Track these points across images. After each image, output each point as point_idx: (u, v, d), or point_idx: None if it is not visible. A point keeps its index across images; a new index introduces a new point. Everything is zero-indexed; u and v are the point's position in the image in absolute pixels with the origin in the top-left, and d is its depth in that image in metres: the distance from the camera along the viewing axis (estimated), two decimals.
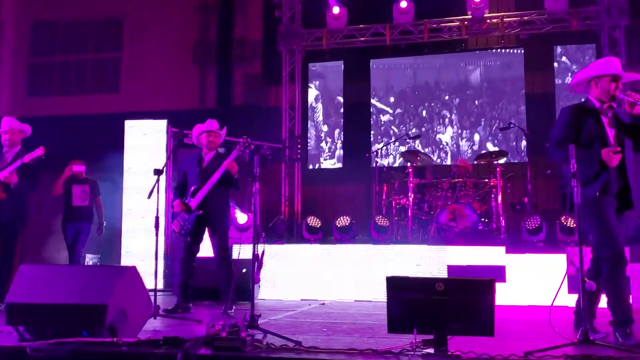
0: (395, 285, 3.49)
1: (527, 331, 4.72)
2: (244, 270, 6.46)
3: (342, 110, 10.58)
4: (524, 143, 9.45)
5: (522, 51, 9.95)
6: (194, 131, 6.03)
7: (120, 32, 11.61)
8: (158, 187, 5.29)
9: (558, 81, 9.79)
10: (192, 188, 5.74)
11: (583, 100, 4.18)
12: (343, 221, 8.05)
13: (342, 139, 10.52)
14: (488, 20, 9.69)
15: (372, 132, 10.37)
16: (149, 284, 5.15)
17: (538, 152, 9.08)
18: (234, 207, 7.92)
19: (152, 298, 4.69)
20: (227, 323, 3.88)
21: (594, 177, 3.89)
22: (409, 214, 7.83)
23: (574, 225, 7.15)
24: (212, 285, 6.14)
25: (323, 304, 6.75)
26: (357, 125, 10.42)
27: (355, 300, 7.03)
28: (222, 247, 5.78)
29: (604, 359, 3.19)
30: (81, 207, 7.45)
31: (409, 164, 8.44)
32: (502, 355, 3.23)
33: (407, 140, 9.84)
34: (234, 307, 5.66)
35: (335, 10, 9.94)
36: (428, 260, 6.99)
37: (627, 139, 4.03)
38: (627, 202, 3.97)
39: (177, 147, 8.11)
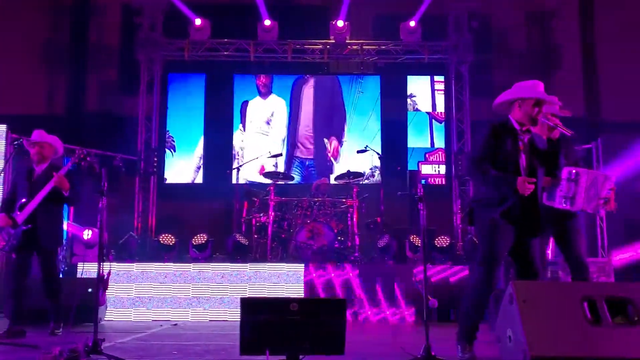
0: (250, 306, 3.43)
1: (375, 348, 4.87)
2: (89, 290, 6.03)
3: (203, 124, 10.33)
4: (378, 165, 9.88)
5: (379, 78, 10.43)
6: (25, 144, 5.58)
7: None
8: None
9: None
10: (20, 201, 5.33)
11: (504, 120, 4.08)
12: (200, 239, 7.85)
13: (202, 154, 10.26)
14: (349, 47, 10.08)
15: (233, 148, 10.24)
16: None
17: (390, 175, 9.57)
18: (72, 225, 7.44)
19: None
20: (65, 349, 3.58)
21: (500, 201, 3.89)
22: (269, 231, 7.83)
23: (420, 244, 7.61)
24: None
25: (175, 325, 6.52)
26: (218, 141, 10.24)
27: (211, 321, 6.86)
28: (47, 266, 5.42)
29: None
30: None
31: (270, 182, 8.46)
32: None
33: (269, 157, 9.86)
34: (61, 328, 5.34)
35: (197, 22, 9.76)
36: (286, 278, 7.03)
37: (540, 165, 3.97)
38: (534, 228, 3.92)
39: (17, 155, 7.41)
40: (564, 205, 4.08)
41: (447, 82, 10.31)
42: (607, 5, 10.16)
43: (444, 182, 10.12)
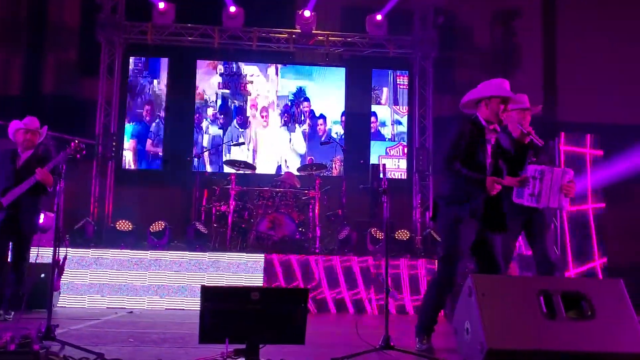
0: (210, 294, 3.38)
1: (335, 339, 4.89)
2: (42, 276, 5.88)
3: (163, 109, 10.13)
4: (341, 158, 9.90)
5: (344, 70, 10.43)
6: (10, 127, 5.53)
7: None
8: None
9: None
10: (5, 186, 5.30)
11: (472, 117, 4.12)
12: (157, 226, 7.74)
13: (162, 140, 10.07)
14: (315, 37, 10.03)
15: (195, 134, 10.09)
16: None
17: (353, 168, 9.61)
18: None
19: None
20: (17, 334, 3.47)
21: (466, 198, 3.95)
22: (229, 221, 7.75)
23: (381, 236, 7.67)
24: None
25: (131, 312, 6.41)
26: (179, 126, 10.07)
27: (167, 309, 6.77)
28: (22, 252, 5.41)
29: None
30: None
31: (232, 171, 8.38)
32: None
33: (232, 146, 9.75)
34: (12, 313, 5.24)
35: (161, 5, 9.54)
36: (245, 268, 6.97)
37: (504, 164, 4.08)
38: (497, 225, 4.02)
39: None
40: (531, 202, 4.22)
41: (410, 77, 10.39)
42: (570, 6, 10.40)
43: (404, 177, 10.21)
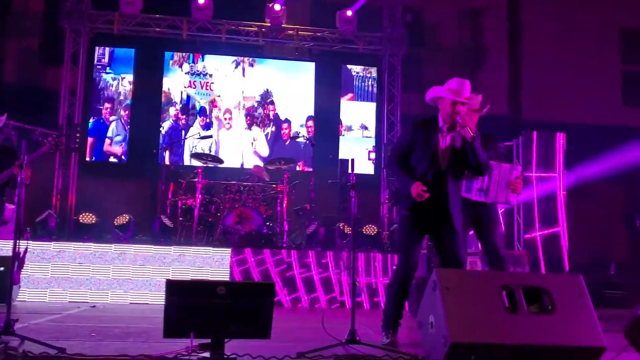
0: (175, 288, 3.34)
1: (302, 333, 4.89)
2: (1, 269, 5.74)
3: (124, 107, 9.94)
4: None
5: (314, 65, 10.41)
6: None
7: None
8: None
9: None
10: None
11: (433, 116, 4.10)
12: (122, 219, 7.64)
13: (127, 132, 9.90)
14: (285, 31, 9.98)
15: (161, 127, 9.94)
16: None
17: (322, 162, 9.62)
18: None
19: None
20: None
21: (409, 195, 3.95)
22: (195, 214, 7.67)
23: (349, 231, 7.70)
24: None
25: (94, 306, 6.33)
26: (145, 119, 9.91)
27: (131, 303, 6.69)
28: None
29: (367, 357, 3.53)
30: None
31: (198, 164, 8.30)
32: (277, 357, 3.30)
33: (199, 139, 9.65)
34: None
35: None
36: (211, 262, 6.92)
37: (458, 165, 4.03)
38: (444, 223, 4.01)
39: None
40: (480, 197, 4.29)
41: (379, 74, 10.43)
42: (535, 7, 10.58)
43: (372, 172, 10.26)
